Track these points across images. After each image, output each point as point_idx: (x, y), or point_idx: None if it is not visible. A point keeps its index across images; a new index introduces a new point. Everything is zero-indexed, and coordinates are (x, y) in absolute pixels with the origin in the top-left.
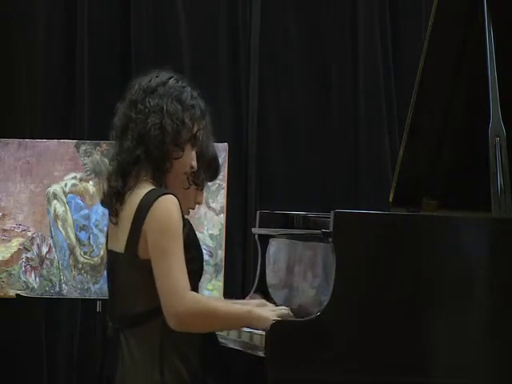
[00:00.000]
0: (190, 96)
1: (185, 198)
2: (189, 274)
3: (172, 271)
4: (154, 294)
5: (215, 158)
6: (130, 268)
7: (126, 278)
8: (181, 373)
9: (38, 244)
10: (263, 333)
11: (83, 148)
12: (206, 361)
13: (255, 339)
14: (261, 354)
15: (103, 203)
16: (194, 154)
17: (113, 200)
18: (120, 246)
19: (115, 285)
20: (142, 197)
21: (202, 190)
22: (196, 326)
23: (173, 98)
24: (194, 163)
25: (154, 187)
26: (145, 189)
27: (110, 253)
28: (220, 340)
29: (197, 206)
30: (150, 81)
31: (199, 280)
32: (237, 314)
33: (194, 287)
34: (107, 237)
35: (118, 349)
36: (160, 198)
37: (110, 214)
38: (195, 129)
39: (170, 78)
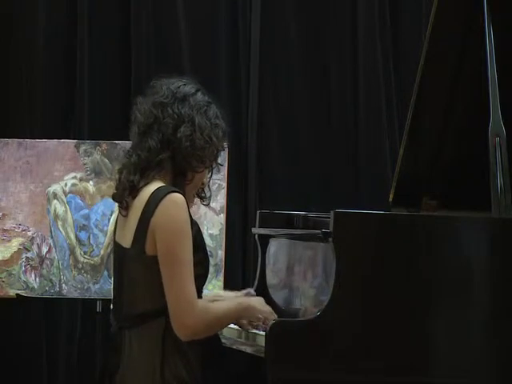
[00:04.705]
0: (215, 114)
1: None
2: (195, 278)
3: (183, 282)
4: (158, 293)
5: None
6: (135, 264)
7: (132, 274)
8: (181, 374)
9: (38, 244)
10: (263, 333)
11: (83, 148)
12: (207, 361)
13: (255, 339)
14: (261, 354)
15: (114, 196)
16: (206, 170)
17: (125, 192)
18: (127, 241)
19: (121, 280)
20: (150, 193)
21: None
22: (204, 334)
23: (202, 112)
24: (206, 180)
25: (163, 184)
26: (155, 185)
27: (117, 246)
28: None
29: (197, 206)
30: (179, 87)
31: (204, 283)
32: (233, 309)
33: (199, 291)
34: (115, 228)
35: (121, 346)
36: (168, 196)
37: (119, 207)
38: (219, 148)
39: (198, 91)
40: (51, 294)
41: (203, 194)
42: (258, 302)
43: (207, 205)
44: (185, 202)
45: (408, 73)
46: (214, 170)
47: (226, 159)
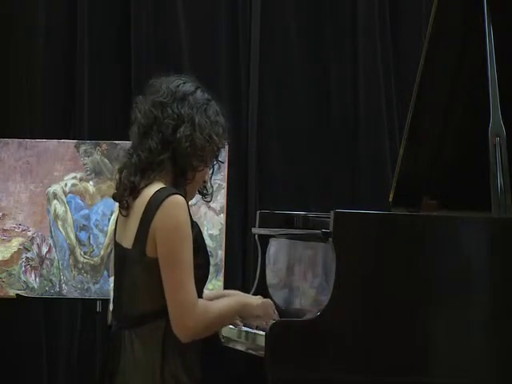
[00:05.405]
0: (215, 112)
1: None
2: (195, 280)
3: (183, 283)
4: (159, 294)
5: None
6: (136, 265)
7: (133, 275)
8: (181, 375)
9: (38, 244)
10: (263, 333)
11: (83, 148)
12: (206, 362)
13: (255, 339)
14: (261, 354)
15: (114, 195)
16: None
17: (126, 193)
18: (128, 242)
19: (121, 281)
20: (151, 195)
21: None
22: (204, 334)
23: (202, 111)
24: (207, 177)
25: (164, 186)
26: (156, 187)
27: (118, 246)
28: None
29: (197, 206)
30: (178, 86)
31: (204, 286)
32: (232, 307)
33: (199, 293)
34: (115, 228)
35: (121, 347)
36: (168, 198)
37: (120, 206)
38: (219, 145)
39: (198, 89)
40: (51, 294)
41: (205, 191)
42: (257, 299)
43: (209, 201)
44: (185, 204)
45: (408, 73)
46: (215, 169)
47: (227, 157)
